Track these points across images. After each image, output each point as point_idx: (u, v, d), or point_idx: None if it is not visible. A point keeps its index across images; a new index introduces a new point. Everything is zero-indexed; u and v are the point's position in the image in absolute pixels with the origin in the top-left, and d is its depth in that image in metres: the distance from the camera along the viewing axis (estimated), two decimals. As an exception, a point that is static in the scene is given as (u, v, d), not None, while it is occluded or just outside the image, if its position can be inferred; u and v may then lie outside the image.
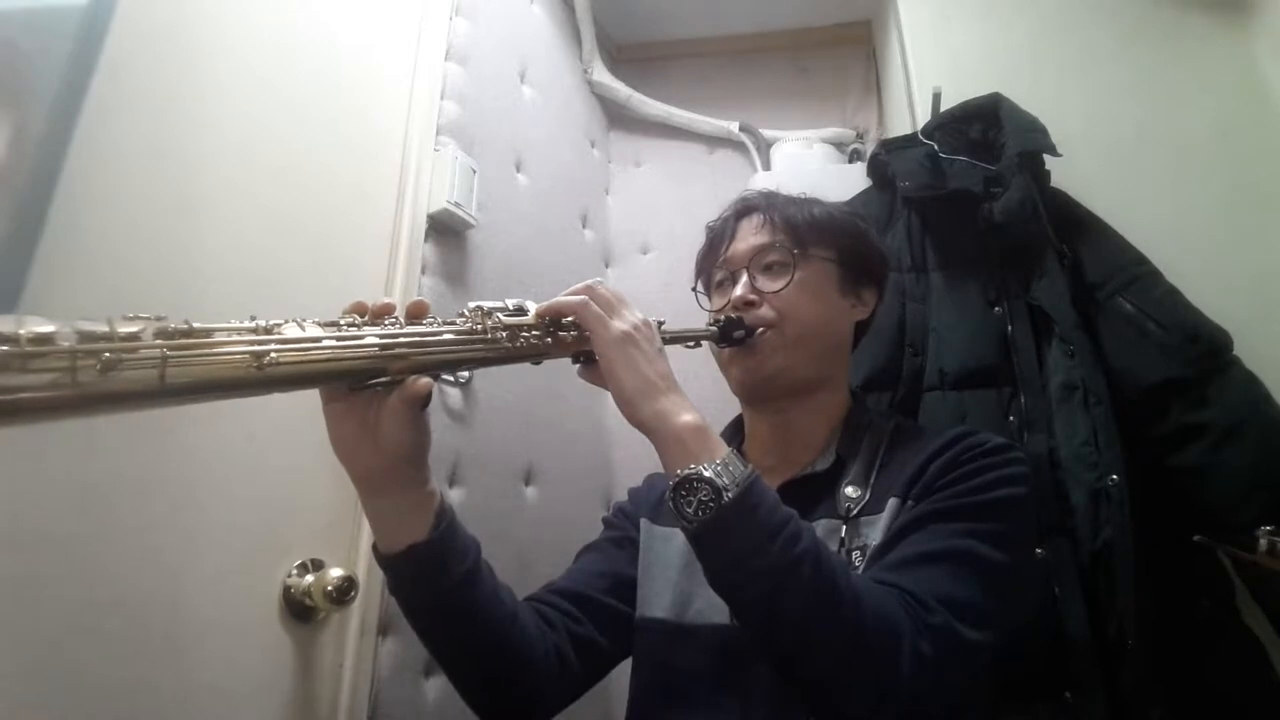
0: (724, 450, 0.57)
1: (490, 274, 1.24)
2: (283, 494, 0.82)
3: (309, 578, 0.82)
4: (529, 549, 1.21)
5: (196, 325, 0.40)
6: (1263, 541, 0.88)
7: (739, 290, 0.78)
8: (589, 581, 0.79)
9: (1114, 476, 0.96)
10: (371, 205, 1.05)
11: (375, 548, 0.64)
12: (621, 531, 0.86)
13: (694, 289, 0.88)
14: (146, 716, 0.67)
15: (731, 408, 0.88)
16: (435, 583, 0.63)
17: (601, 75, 1.84)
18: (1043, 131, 1.18)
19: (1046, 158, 1.18)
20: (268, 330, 0.43)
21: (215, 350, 0.40)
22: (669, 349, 0.65)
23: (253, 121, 0.85)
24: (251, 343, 0.42)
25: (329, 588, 0.81)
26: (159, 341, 0.37)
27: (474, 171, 1.19)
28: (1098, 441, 0.99)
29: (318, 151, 0.95)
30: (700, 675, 0.70)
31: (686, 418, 0.58)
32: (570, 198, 1.64)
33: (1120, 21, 1.42)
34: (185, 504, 0.72)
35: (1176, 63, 1.38)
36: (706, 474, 0.54)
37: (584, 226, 1.70)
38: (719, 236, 0.85)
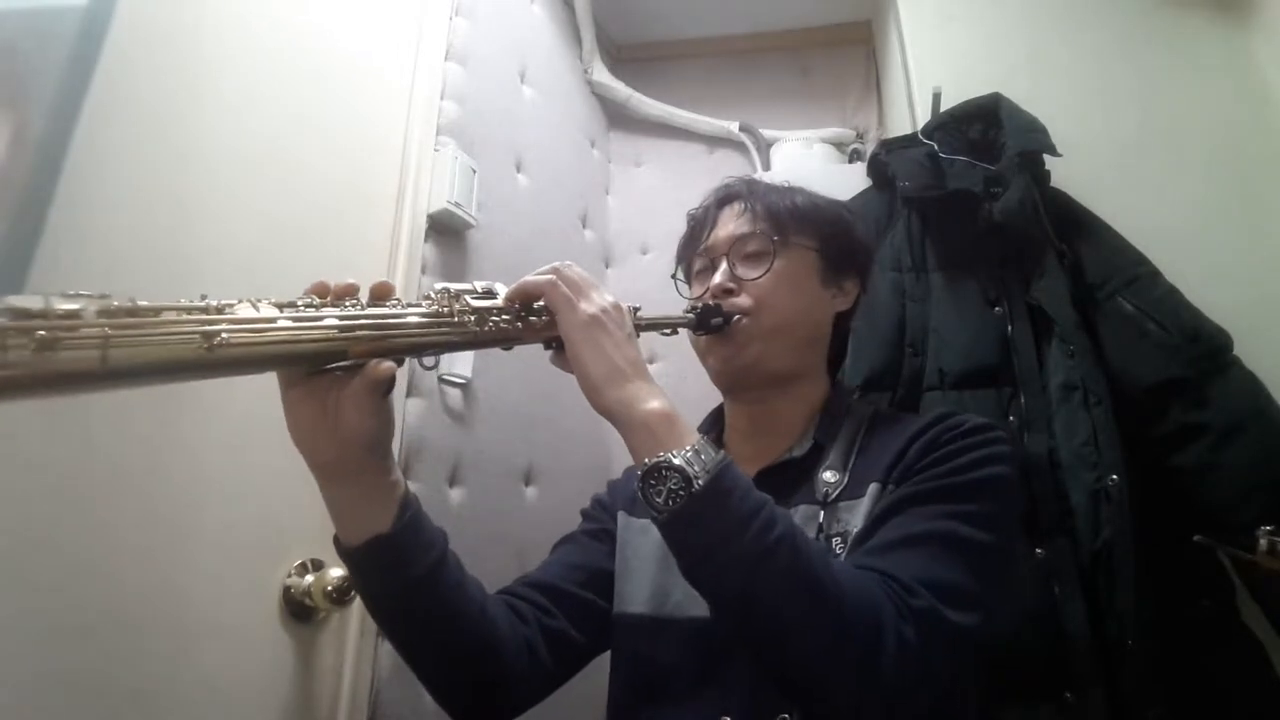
0: (694, 437, 0.55)
1: (490, 274, 1.23)
2: (283, 494, 0.82)
3: (309, 578, 0.83)
4: (529, 549, 1.21)
5: (143, 303, 0.38)
6: (1263, 541, 0.88)
7: (718, 278, 0.77)
8: (563, 574, 0.78)
9: (1114, 476, 0.96)
10: (372, 205, 1.05)
11: (336, 540, 0.61)
12: (598, 524, 0.85)
13: (674, 276, 0.87)
14: (146, 716, 0.67)
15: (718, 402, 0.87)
16: (399, 575, 0.60)
17: (601, 75, 1.84)
18: (1043, 131, 1.18)
19: (1046, 158, 1.18)
20: (219, 310, 0.41)
21: (163, 330, 0.38)
22: (663, 345, 0.64)
23: (252, 122, 0.85)
24: (202, 322, 0.40)
25: (329, 588, 0.81)
26: (101, 320, 0.35)
27: (474, 171, 1.19)
28: (1098, 441, 0.99)
29: (317, 152, 0.95)
30: (679, 669, 0.69)
31: (654, 404, 0.56)
32: (570, 198, 1.65)
33: (1121, 22, 1.42)
34: (185, 504, 0.72)
35: (1177, 63, 1.38)
36: (676, 461, 0.52)
37: (584, 226, 1.70)
38: (700, 224, 0.84)
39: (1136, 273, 1.12)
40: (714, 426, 0.85)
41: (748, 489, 0.55)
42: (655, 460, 0.53)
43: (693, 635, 0.69)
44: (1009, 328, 1.10)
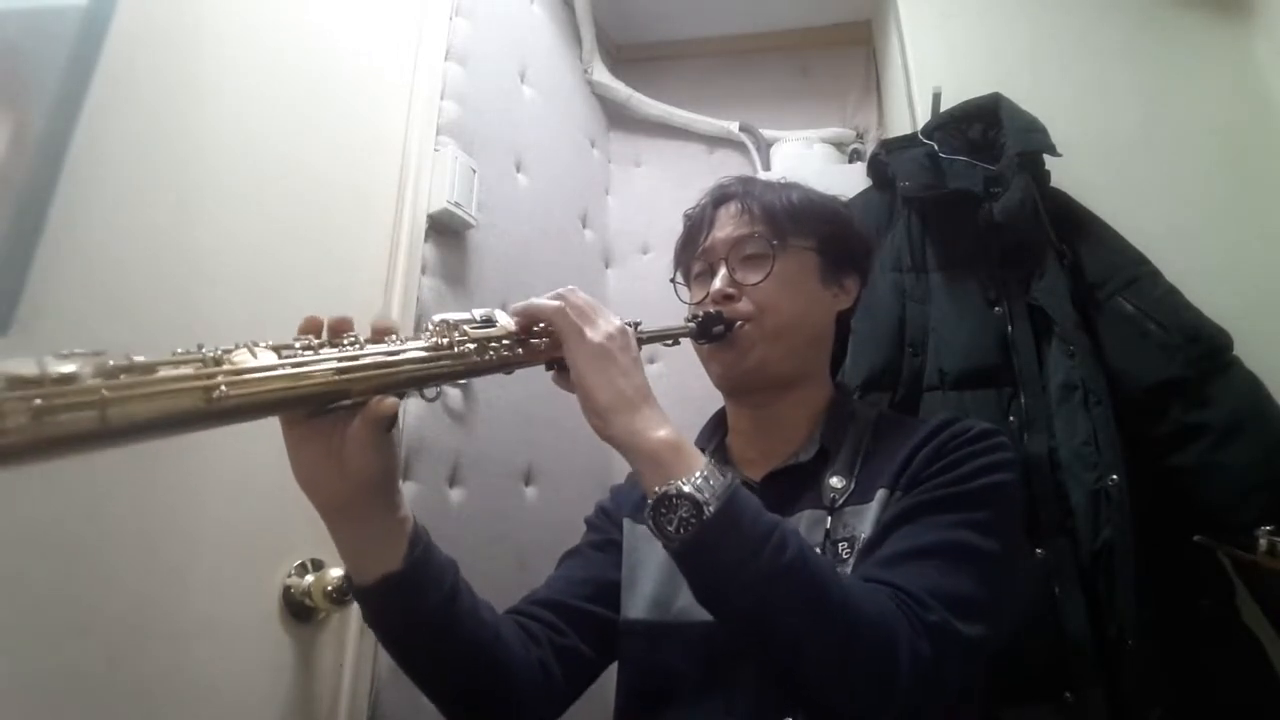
0: (701, 462, 0.55)
1: (490, 274, 1.24)
2: (283, 494, 0.81)
3: (309, 578, 0.82)
4: (529, 549, 1.21)
5: (139, 359, 0.38)
6: (1263, 541, 0.88)
7: (717, 283, 0.76)
8: (571, 590, 0.78)
9: (1114, 476, 0.96)
10: (372, 205, 1.05)
11: (348, 578, 0.61)
12: (603, 534, 0.84)
13: (672, 280, 0.87)
14: (146, 716, 0.67)
15: (720, 403, 0.86)
16: (413, 612, 0.60)
17: (601, 75, 1.84)
18: (1043, 131, 1.18)
19: (1046, 158, 1.18)
20: (217, 360, 0.41)
21: (161, 387, 0.38)
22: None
23: (253, 121, 0.85)
24: (200, 376, 0.40)
25: (329, 588, 0.81)
26: (98, 381, 0.35)
27: (474, 171, 1.19)
28: (1098, 441, 0.99)
29: (318, 151, 0.95)
30: (684, 673, 0.69)
31: (661, 432, 0.56)
32: (570, 198, 1.65)
33: (1120, 21, 1.42)
34: (185, 504, 0.72)
35: (1177, 62, 1.38)
36: (685, 489, 0.52)
37: (584, 226, 1.70)
38: (696, 225, 0.83)
39: (1136, 273, 1.12)
40: (717, 430, 0.85)
41: (758, 512, 0.55)
42: (665, 489, 0.53)
43: (697, 640, 0.68)
44: (1009, 328, 1.10)
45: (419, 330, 0.55)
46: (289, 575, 0.82)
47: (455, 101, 1.21)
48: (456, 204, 1.13)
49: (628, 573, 0.78)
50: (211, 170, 0.79)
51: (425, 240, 1.11)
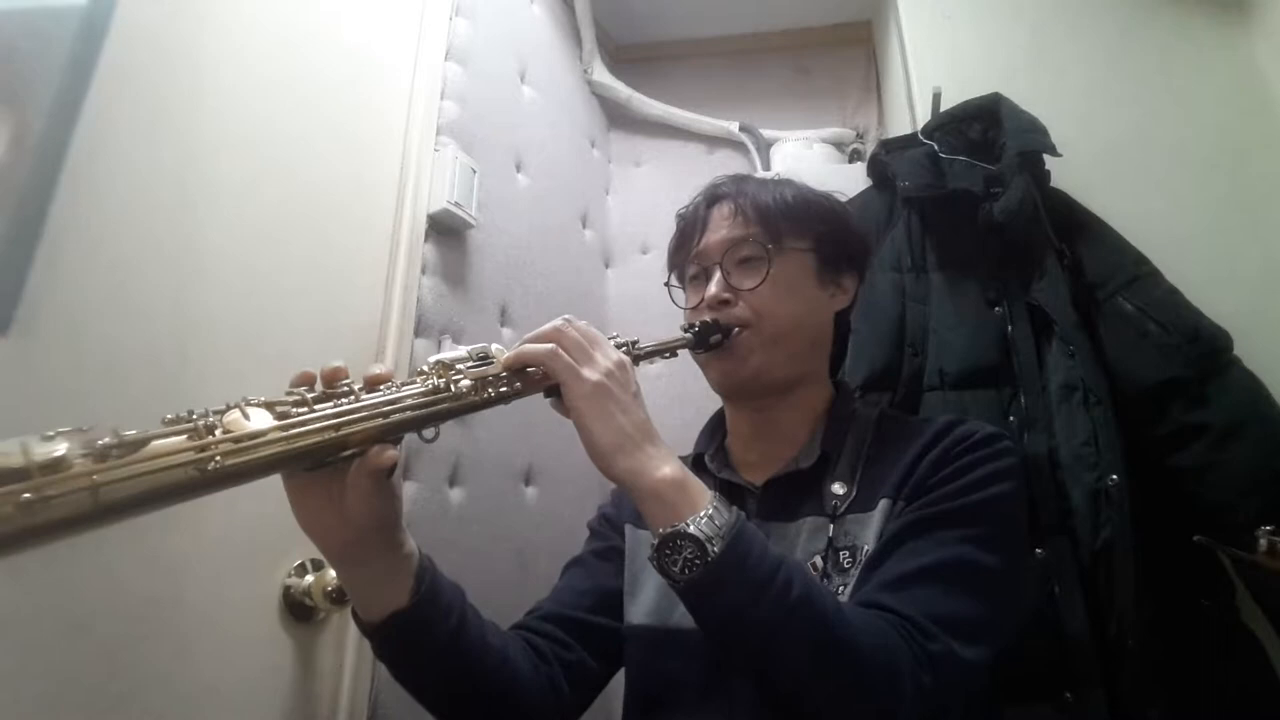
0: (706, 498, 0.55)
1: (490, 274, 1.24)
2: (282, 494, 0.82)
3: (309, 578, 0.82)
4: (529, 549, 1.21)
5: (128, 435, 0.36)
6: (1263, 541, 0.88)
7: (713, 289, 0.75)
8: (575, 602, 0.77)
9: (1114, 476, 0.96)
10: (372, 205, 1.05)
11: (355, 615, 0.61)
12: (605, 542, 0.84)
13: (667, 284, 0.85)
14: (146, 716, 0.66)
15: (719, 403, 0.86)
16: (421, 646, 0.60)
17: (601, 75, 1.84)
18: (1043, 131, 1.18)
19: (1046, 158, 1.18)
20: (209, 427, 0.41)
21: (153, 465, 0.37)
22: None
23: (253, 122, 0.85)
24: (193, 448, 0.39)
25: (329, 588, 0.81)
26: (87, 464, 0.34)
27: (474, 171, 1.19)
28: (1098, 441, 0.99)
29: (318, 151, 0.95)
30: (686, 679, 0.68)
31: (664, 471, 0.55)
32: (570, 198, 1.64)
33: (1121, 21, 1.42)
34: (185, 504, 0.72)
35: (1176, 63, 1.38)
36: (690, 530, 0.52)
37: (584, 226, 1.70)
38: (690, 227, 0.82)
39: (1136, 273, 1.12)
40: (717, 432, 0.84)
41: (763, 550, 0.55)
42: (669, 530, 0.53)
43: (698, 646, 0.68)
44: (1009, 328, 1.10)
45: (414, 373, 0.55)
46: (289, 575, 0.82)
47: (455, 101, 1.21)
48: (456, 204, 1.13)
49: (630, 579, 0.78)
50: (211, 170, 0.79)
51: (425, 240, 1.10)
